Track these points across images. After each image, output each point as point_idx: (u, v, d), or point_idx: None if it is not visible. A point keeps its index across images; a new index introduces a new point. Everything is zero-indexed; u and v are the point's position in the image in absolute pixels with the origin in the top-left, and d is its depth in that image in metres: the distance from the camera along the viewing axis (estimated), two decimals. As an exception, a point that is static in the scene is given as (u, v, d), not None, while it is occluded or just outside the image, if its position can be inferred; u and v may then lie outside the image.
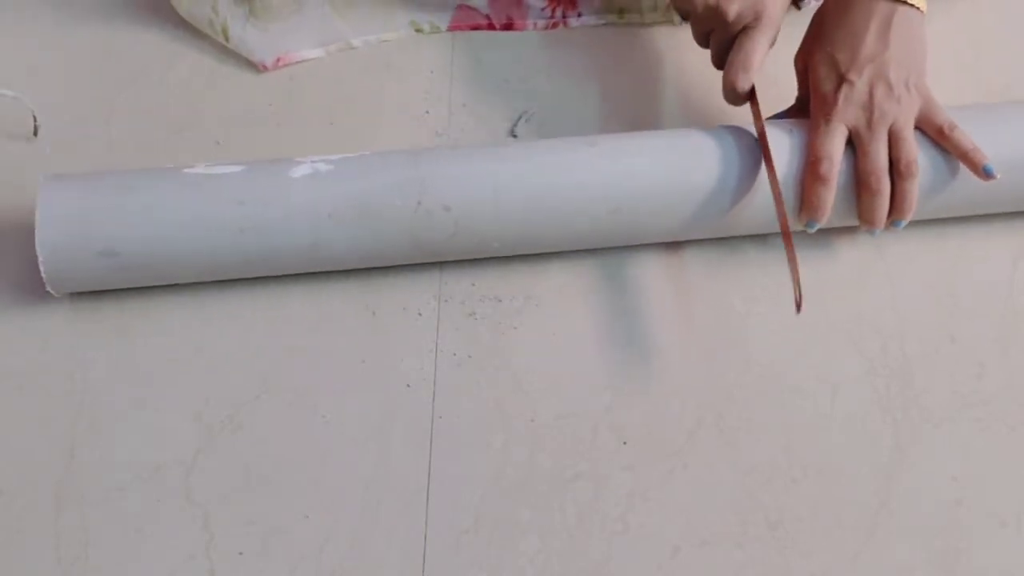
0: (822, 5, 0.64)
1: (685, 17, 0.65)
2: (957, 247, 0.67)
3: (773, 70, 0.66)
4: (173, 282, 0.62)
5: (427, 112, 0.72)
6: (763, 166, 0.61)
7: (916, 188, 0.60)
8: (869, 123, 0.60)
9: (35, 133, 0.69)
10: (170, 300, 0.63)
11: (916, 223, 0.67)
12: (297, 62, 0.74)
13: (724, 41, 0.64)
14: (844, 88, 0.60)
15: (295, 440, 0.59)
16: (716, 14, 0.62)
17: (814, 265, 0.66)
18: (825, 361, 0.62)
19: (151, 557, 0.55)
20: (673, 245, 0.66)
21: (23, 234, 0.62)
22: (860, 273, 0.66)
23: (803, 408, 0.61)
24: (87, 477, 0.57)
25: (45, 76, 0.73)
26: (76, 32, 0.75)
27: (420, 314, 0.63)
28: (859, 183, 0.61)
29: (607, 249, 0.66)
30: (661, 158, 0.61)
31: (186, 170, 0.60)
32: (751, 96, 0.63)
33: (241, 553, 0.55)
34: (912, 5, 0.60)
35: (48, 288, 0.59)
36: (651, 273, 0.65)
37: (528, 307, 0.64)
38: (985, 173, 0.60)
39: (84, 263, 0.58)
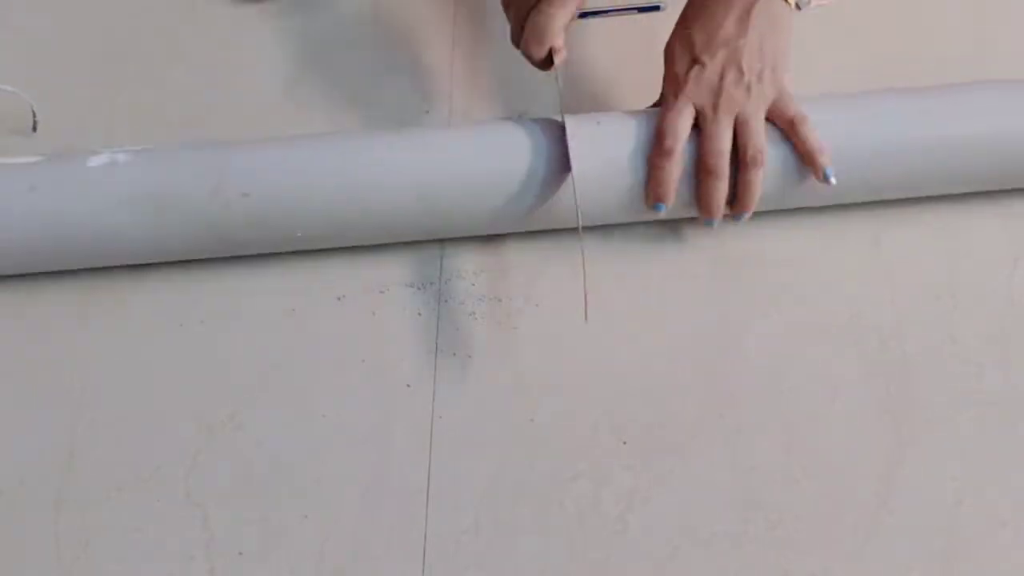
0: None
1: None
2: (957, 246, 0.67)
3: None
4: None
5: (427, 112, 0.72)
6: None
7: (759, 179, 0.60)
8: (715, 106, 0.59)
9: (34, 128, 0.69)
10: (170, 300, 0.63)
11: (916, 222, 0.67)
12: None
13: (521, 12, 0.62)
14: (695, 69, 0.60)
15: (295, 440, 0.59)
16: None
17: (814, 264, 0.66)
18: (825, 361, 0.62)
19: (151, 557, 0.55)
20: (671, 245, 0.66)
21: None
22: (860, 272, 0.66)
23: (803, 408, 0.61)
24: (87, 477, 0.57)
25: (44, 73, 0.73)
26: (76, 28, 0.75)
27: (420, 314, 0.63)
28: (697, 165, 0.60)
29: (607, 250, 0.65)
30: (467, 149, 0.61)
31: None
32: (550, 63, 0.62)
33: (241, 553, 0.55)
34: None
35: None
36: (651, 274, 0.65)
37: (528, 307, 0.64)
38: (824, 177, 0.60)
39: None
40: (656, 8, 0.67)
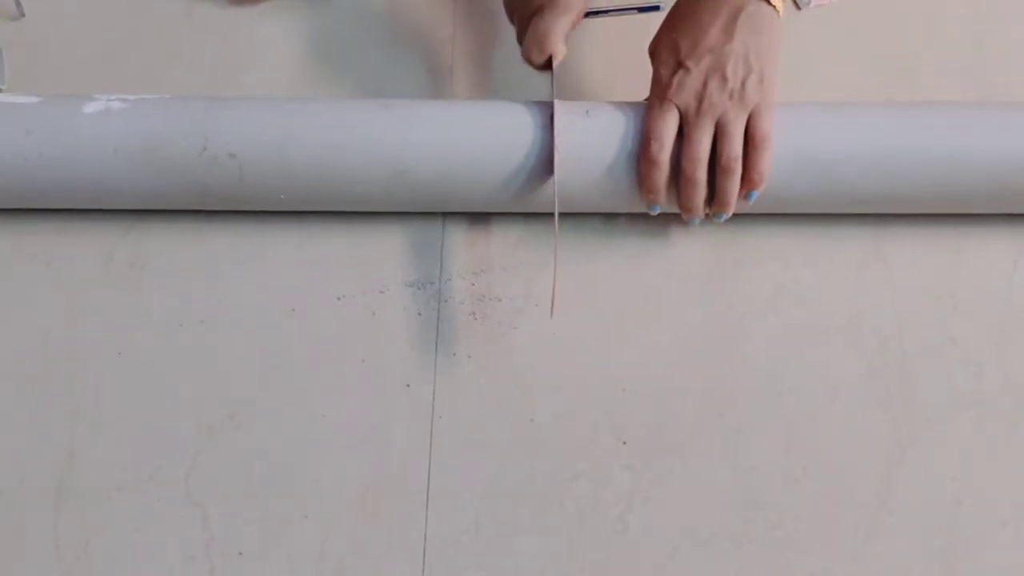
0: None
1: None
2: (957, 247, 0.67)
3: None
4: None
5: (427, 112, 0.72)
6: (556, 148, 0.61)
7: (736, 184, 0.60)
8: (698, 110, 0.60)
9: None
10: (170, 299, 0.63)
11: (915, 223, 0.67)
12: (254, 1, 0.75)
13: (524, 16, 0.64)
14: (680, 73, 0.60)
15: (295, 440, 0.59)
16: None
17: (814, 264, 0.66)
18: (825, 361, 0.62)
19: (151, 557, 0.55)
20: (671, 245, 0.66)
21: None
22: (860, 273, 0.66)
23: (803, 408, 0.61)
24: (87, 477, 0.57)
25: (44, 73, 0.73)
26: (76, 28, 0.75)
27: (420, 314, 0.63)
28: (677, 168, 0.61)
29: (607, 250, 0.65)
30: (454, 123, 0.61)
31: None
32: (548, 66, 0.63)
33: (241, 553, 0.55)
34: (767, 1, 0.60)
35: None
36: (652, 274, 0.65)
37: (528, 307, 0.64)
38: (746, 196, 0.61)
39: None
40: (656, 8, 0.68)
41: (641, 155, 0.60)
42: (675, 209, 0.63)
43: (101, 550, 0.55)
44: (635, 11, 0.67)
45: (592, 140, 0.61)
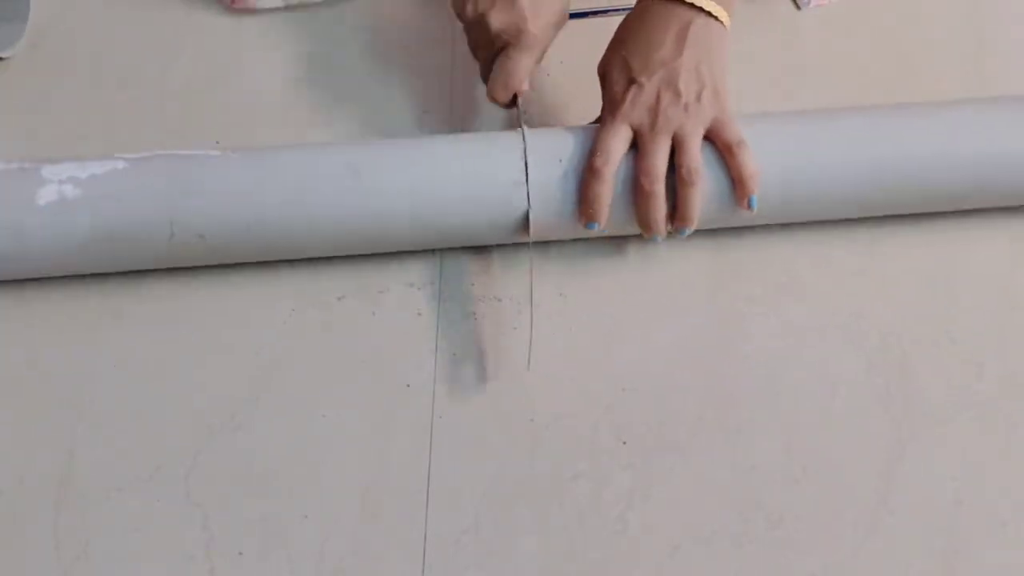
0: (627, 14, 0.63)
1: (461, 21, 0.65)
2: (955, 245, 0.67)
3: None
4: None
5: (426, 112, 0.72)
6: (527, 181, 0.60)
7: (697, 196, 0.60)
8: (652, 125, 0.59)
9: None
10: (170, 299, 0.63)
11: (915, 221, 0.67)
12: (253, 9, 0.74)
13: (489, 55, 0.64)
14: (632, 89, 0.60)
15: (295, 440, 0.59)
16: (481, 24, 0.63)
17: (814, 263, 0.66)
18: (825, 360, 0.62)
19: (151, 557, 0.55)
20: (670, 245, 0.66)
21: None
22: (859, 272, 0.66)
23: (803, 408, 0.61)
24: (87, 477, 0.57)
25: (43, 70, 0.73)
26: (75, 32, 0.75)
27: (420, 314, 0.63)
28: (633, 183, 0.60)
29: (606, 248, 0.66)
30: (424, 169, 0.60)
31: None
32: (514, 103, 0.64)
33: (241, 553, 0.55)
34: (713, 16, 0.60)
35: None
36: (650, 272, 0.65)
37: (528, 307, 0.64)
38: (748, 204, 0.61)
39: None
40: None
41: (586, 168, 0.60)
42: (632, 230, 0.63)
43: (101, 550, 0.55)
44: (625, 11, 0.67)
45: (566, 169, 0.61)
